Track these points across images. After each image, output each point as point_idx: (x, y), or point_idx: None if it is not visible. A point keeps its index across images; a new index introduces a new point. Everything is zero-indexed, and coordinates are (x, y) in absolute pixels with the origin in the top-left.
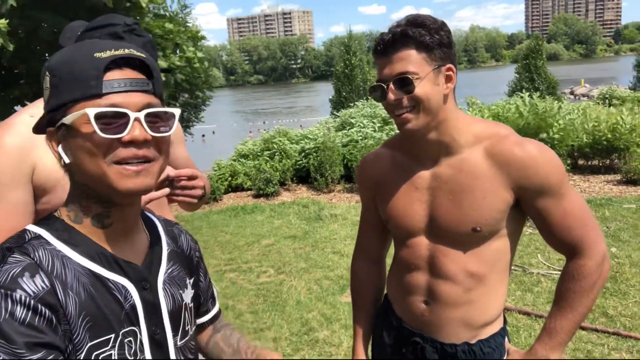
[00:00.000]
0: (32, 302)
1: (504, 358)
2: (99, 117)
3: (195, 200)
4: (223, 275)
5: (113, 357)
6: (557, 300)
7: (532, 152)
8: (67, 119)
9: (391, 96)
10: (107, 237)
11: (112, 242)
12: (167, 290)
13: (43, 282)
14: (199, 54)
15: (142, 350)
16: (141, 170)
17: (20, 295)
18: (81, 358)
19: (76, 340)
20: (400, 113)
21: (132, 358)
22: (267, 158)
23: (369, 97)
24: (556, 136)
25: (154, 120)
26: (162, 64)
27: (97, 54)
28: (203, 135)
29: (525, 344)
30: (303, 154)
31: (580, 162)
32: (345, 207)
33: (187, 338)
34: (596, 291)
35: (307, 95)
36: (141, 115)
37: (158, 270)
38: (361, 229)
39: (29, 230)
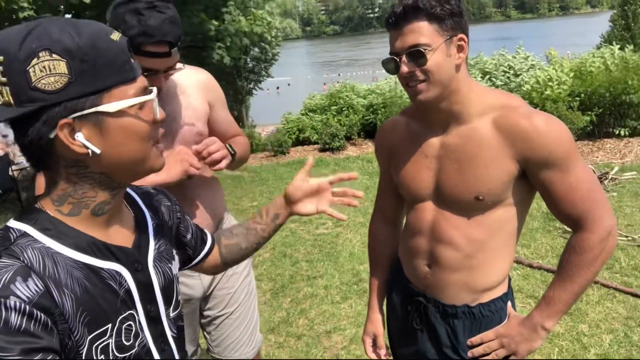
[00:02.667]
0: (27, 307)
1: (504, 322)
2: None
3: (222, 167)
4: (284, 225)
5: (111, 346)
6: (559, 271)
7: (538, 124)
8: (111, 107)
9: (404, 69)
10: (98, 225)
11: (102, 229)
12: (158, 267)
13: (36, 285)
14: (268, 18)
15: (141, 330)
16: (163, 150)
17: (15, 302)
18: (83, 352)
19: (76, 337)
20: (413, 85)
21: (131, 342)
22: (335, 113)
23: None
24: None
25: None
26: (231, 28)
27: (111, 36)
28: (277, 88)
29: (574, 308)
30: (371, 109)
31: None
32: None
33: (178, 309)
34: (598, 265)
35: (383, 46)
36: (155, 96)
37: (147, 248)
38: (379, 192)
39: (12, 228)
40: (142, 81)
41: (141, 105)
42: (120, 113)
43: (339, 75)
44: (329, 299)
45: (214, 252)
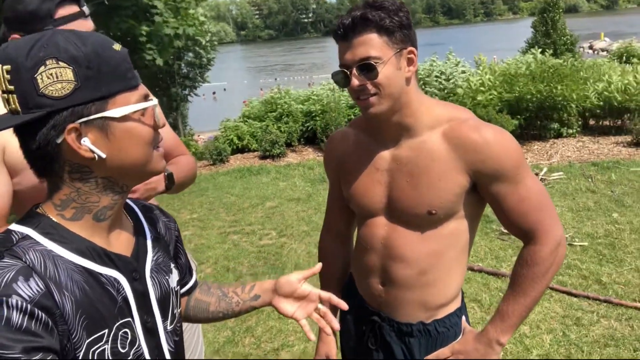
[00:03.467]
0: (28, 306)
1: (459, 337)
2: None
3: (152, 194)
4: (227, 237)
5: (107, 352)
6: (512, 284)
7: (488, 136)
8: (116, 112)
9: (355, 82)
10: (99, 231)
11: (102, 236)
12: (155, 278)
13: (38, 285)
14: (201, 18)
15: (137, 340)
16: (163, 153)
17: (17, 301)
18: (80, 355)
19: (75, 339)
20: (364, 98)
21: (125, 350)
22: (274, 119)
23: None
24: (565, 94)
25: None
26: (163, 30)
27: (113, 47)
28: (214, 93)
29: None
30: (310, 116)
31: (591, 122)
32: None
33: (175, 322)
34: (549, 277)
35: (319, 51)
36: (156, 103)
37: (145, 259)
38: (328, 206)
39: (14, 231)
40: (142, 89)
41: (143, 112)
42: (124, 118)
43: (276, 80)
44: (276, 314)
45: (191, 294)
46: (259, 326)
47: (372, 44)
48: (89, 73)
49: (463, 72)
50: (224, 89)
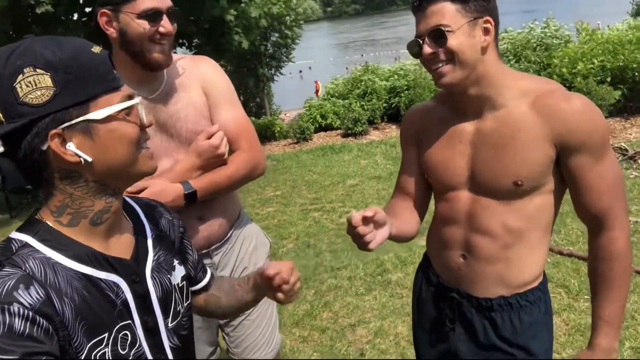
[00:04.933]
0: (29, 313)
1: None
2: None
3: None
4: (308, 214)
5: (108, 354)
6: (601, 284)
7: (578, 106)
8: (98, 114)
9: (427, 49)
10: (97, 235)
11: (101, 240)
12: (156, 278)
13: (38, 293)
14: None
15: (138, 340)
16: (152, 153)
17: (18, 308)
18: (82, 358)
19: (76, 343)
20: (436, 67)
21: (125, 352)
22: (357, 97)
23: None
24: None
25: None
26: (249, 11)
27: (92, 49)
28: (300, 72)
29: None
30: (394, 93)
31: None
32: None
33: (178, 318)
34: (631, 266)
35: (406, 24)
36: (139, 102)
37: (145, 260)
38: (400, 172)
39: (14, 239)
40: (126, 90)
41: (128, 112)
42: (107, 119)
43: (362, 56)
44: (353, 291)
45: (208, 290)
46: (336, 301)
47: (444, 12)
48: (67, 78)
49: (565, 40)
50: (310, 67)
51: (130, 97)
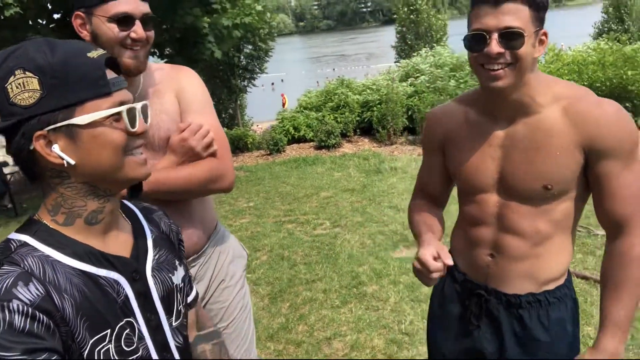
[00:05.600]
0: (29, 309)
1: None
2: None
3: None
4: (281, 226)
5: (111, 351)
6: (615, 287)
7: (610, 112)
8: (82, 119)
9: (494, 48)
10: (95, 234)
11: (99, 239)
12: (157, 276)
13: (37, 289)
14: (258, 7)
15: (141, 338)
16: (146, 159)
17: (17, 305)
18: (85, 354)
19: (78, 339)
20: (495, 68)
21: (131, 348)
22: (330, 110)
23: (438, 45)
24: (638, 81)
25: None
26: (221, 21)
27: (88, 54)
28: (272, 84)
29: (580, 310)
30: (366, 106)
31: None
32: (406, 159)
33: (180, 318)
34: None
35: (376, 40)
36: (139, 108)
37: (145, 258)
38: (423, 174)
39: (12, 239)
40: (119, 96)
41: (117, 118)
42: (91, 125)
43: (334, 70)
44: (329, 304)
45: (192, 312)
46: (312, 314)
47: (522, 16)
48: (54, 82)
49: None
50: (282, 80)
51: (122, 103)
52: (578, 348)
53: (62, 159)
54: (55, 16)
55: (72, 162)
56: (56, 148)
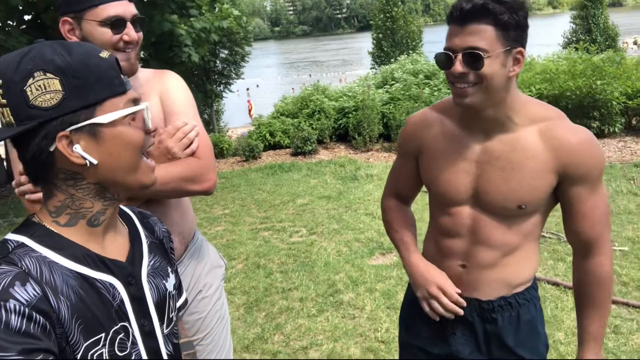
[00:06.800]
0: (26, 310)
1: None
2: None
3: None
4: (257, 234)
5: (104, 355)
6: (590, 303)
7: (584, 140)
8: (104, 118)
9: (458, 68)
10: (94, 236)
11: (97, 241)
12: (152, 282)
13: (34, 289)
14: (235, 12)
15: (135, 343)
16: (154, 167)
17: (14, 305)
18: (79, 357)
19: (72, 341)
20: (461, 86)
21: (124, 353)
22: (306, 116)
23: (411, 53)
24: (606, 91)
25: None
26: (198, 25)
27: (100, 55)
28: (247, 89)
29: (551, 315)
30: (342, 113)
31: (634, 121)
32: (382, 166)
33: (172, 325)
34: (612, 286)
35: (351, 47)
36: (146, 107)
37: (141, 263)
38: (396, 176)
39: (10, 240)
40: (131, 94)
41: (133, 117)
42: (113, 123)
43: (310, 76)
44: (305, 313)
45: (180, 314)
46: (288, 324)
47: (485, 36)
48: (76, 82)
49: None
50: (257, 85)
51: (135, 102)
52: (547, 345)
53: (85, 158)
54: (26, 17)
55: (95, 161)
56: (78, 148)
